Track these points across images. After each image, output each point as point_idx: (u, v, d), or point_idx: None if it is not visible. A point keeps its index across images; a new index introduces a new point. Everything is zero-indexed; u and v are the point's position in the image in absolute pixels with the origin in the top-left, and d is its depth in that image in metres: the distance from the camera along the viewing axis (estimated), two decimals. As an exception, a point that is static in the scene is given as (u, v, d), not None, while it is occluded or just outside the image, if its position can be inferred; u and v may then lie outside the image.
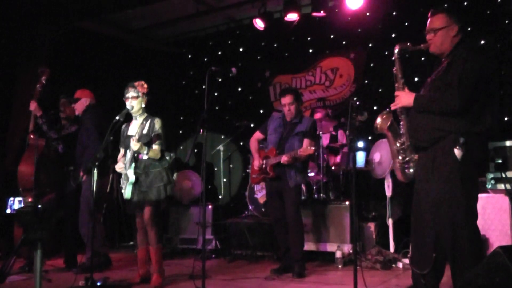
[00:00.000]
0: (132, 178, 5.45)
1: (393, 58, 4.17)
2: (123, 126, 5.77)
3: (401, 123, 4.13)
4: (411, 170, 4.09)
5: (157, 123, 5.60)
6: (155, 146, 5.51)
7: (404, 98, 4.04)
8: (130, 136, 5.59)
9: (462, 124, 3.79)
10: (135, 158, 5.51)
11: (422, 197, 4.03)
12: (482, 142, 3.91)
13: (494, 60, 3.87)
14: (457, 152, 3.76)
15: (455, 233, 3.77)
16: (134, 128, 5.67)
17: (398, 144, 4.12)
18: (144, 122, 5.65)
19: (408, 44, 4.12)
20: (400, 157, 4.12)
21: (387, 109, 4.18)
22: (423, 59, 7.37)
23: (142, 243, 5.68)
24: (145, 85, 5.67)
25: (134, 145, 5.32)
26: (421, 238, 4.07)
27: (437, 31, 4.00)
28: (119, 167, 5.61)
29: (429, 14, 4.09)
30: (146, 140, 5.50)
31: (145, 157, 5.46)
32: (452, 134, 3.81)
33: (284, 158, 5.89)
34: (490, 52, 3.99)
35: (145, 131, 5.57)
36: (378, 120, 4.17)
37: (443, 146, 3.85)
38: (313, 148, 5.77)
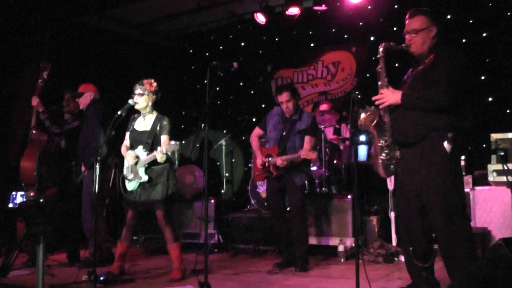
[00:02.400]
0: (145, 177, 5.50)
1: (378, 56, 4.21)
2: (135, 115, 5.80)
3: (384, 120, 4.15)
4: (392, 167, 4.15)
5: (165, 121, 5.61)
6: (164, 137, 5.55)
7: (390, 96, 4.07)
8: (137, 131, 5.66)
9: (448, 120, 3.87)
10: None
11: (409, 192, 4.11)
12: (466, 137, 3.99)
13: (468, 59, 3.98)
14: (447, 146, 3.85)
15: (449, 225, 3.83)
16: (145, 125, 5.68)
17: (382, 142, 4.15)
18: (156, 121, 5.64)
19: (392, 43, 4.17)
20: (383, 154, 4.16)
21: (373, 106, 4.18)
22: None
23: (125, 239, 5.71)
24: (154, 84, 5.65)
25: (161, 158, 5.34)
26: (413, 232, 4.14)
27: (418, 32, 4.06)
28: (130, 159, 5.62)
29: (407, 16, 4.16)
30: (156, 141, 5.56)
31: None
32: (440, 130, 3.88)
33: (279, 162, 5.90)
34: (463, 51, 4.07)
35: (157, 132, 5.60)
36: (362, 115, 4.11)
37: (431, 142, 3.92)
38: (316, 152, 5.75)
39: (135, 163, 5.55)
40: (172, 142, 5.23)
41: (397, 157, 4.11)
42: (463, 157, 6.12)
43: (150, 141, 5.55)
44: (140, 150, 5.56)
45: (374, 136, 4.21)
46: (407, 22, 4.15)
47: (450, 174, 3.87)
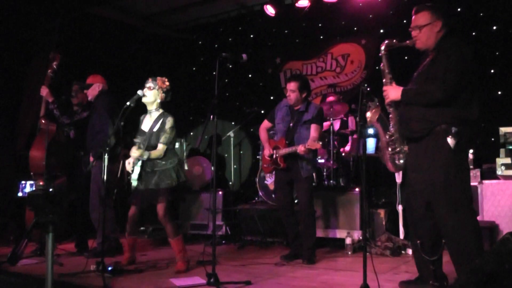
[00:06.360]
0: (135, 175, 5.55)
1: (380, 55, 4.31)
2: (142, 116, 5.80)
3: (390, 116, 4.23)
4: (401, 161, 4.21)
5: (169, 122, 5.57)
6: (159, 146, 5.53)
7: (392, 92, 4.17)
8: (141, 130, 5.69)
9: (452, 114, 3.89)
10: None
11: (415, 186, 4.16)
12: (472, 131, 3.99)
13: (474, 52, 4.04)
14: (450, 141, 3.87)
15: (454, 220, 3.86)
16: (148, 124, 5.69)
17: (387, 136, 4.22)
18: (158, 119, 5.63)
19: (394, 41, 4.26)
20: (390, 149, 4.24)
21: (376, 103, 4.24)
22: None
23: (130, 233, 5.73)
24: (167, 82, 5.67)
25: (134, 153, 5.40)
26: (420, 226, 4.19)
27: (422, 28, 4.13)
28: (128, 165, 5.65)
29: (413, 12, 4.21)
30: (155, 140, 5.55)
31: (144, 157, 5.48)
32: (444, 124, 3.90)
33: (301, 148, 5.73)
34: (471, 44, 4.15)
35: (155, 129, 5.58)
36: (368, 114, 4.25)
37: (436, 136, 3.95)
38: (320, 142, 5.70)
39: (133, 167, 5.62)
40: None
41: (405, 152, 4.15)
42: (471, 151, 6.12)
43: (146, 143, 5.56)
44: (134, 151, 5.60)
45: (380, 131, 4.28)
46: (412, 18, 4.21)
47: (454, 169, 3.89)
